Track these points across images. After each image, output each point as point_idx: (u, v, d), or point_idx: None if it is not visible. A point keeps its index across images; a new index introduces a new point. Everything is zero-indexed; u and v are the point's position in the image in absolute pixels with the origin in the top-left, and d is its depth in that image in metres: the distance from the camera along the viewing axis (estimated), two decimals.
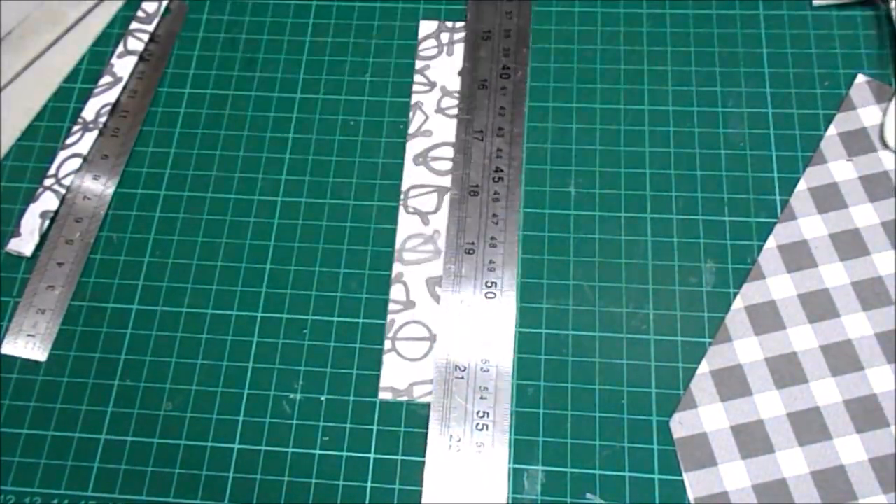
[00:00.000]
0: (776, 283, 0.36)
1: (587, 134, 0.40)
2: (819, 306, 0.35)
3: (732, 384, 0.34)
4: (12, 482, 0.35)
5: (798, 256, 0.36)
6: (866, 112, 0.39)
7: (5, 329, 0.37)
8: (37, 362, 0.37)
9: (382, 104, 0.41)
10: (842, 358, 0.34)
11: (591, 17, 0.43)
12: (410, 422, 0.35)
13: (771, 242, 0.36)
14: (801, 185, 0.37)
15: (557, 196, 0.39)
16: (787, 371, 0.34)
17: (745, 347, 0.35)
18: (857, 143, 0.38)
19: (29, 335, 0.37)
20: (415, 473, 0.34)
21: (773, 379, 0.34)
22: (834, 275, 0.36)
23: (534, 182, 0.39)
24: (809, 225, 0.37)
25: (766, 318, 0.35)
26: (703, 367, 0.34)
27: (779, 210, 0.37)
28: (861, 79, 0.39)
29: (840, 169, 0.38)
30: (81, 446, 0.35)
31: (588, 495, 0.33)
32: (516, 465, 0.34)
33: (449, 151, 0.40)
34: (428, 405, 0.35)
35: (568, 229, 0.38)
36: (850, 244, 0.36)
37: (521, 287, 0.37)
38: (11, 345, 0.37)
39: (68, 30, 0.43)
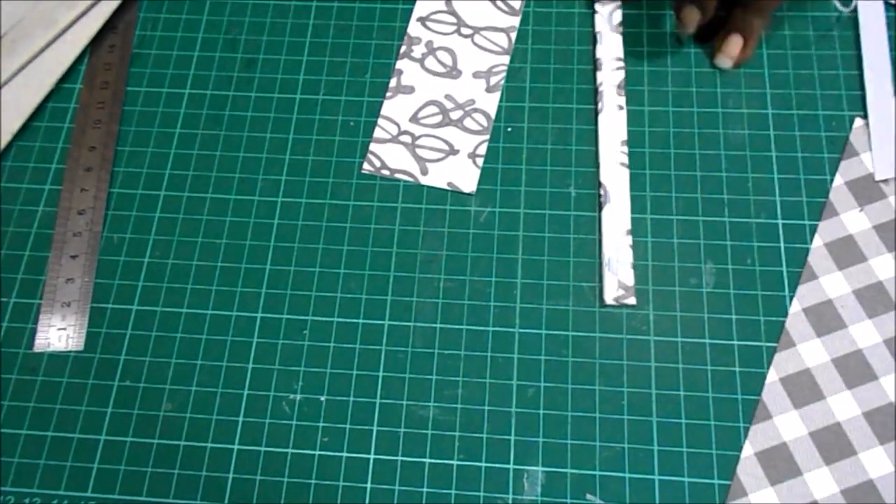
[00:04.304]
0: (807, 350, 0.35)
1: (587, 135, 0.40)
2: (854, 370, 0.34)
3: (780, 464, 0.33)
4: (12, 482, 0.35)
5: (826, 318, 0.35)
6: (868, 157, 0.38)
7: (33, 329, 0.37)
8: (35, 363, 0.37)
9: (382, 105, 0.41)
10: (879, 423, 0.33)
11: (590, 18, 0.43)
12: (410, 422, 0.35)
13: (796, 306, 0.35)
14: (817, 242, 0.36)
15: (557, 197, 0.39)
16: (832, 442, 0.33)
17: (786, 422, 0.33)
18: (865, 190, 0.37)
19: (60, 328, 0.37)
20: (415, 474, 0.34)
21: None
22: (864, 334, 0.35)
23: (534, 183, 0.39)
24: (832, 283, 0.35)
25: (803, 390, 0.34)
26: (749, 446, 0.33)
27: (778, 211, 0.37)
28: (859, 122, 0.39)
29: (853, 220, 0.37)
30: (81, 447, 0.35)
31: (588, 496, 0.33)
32: (516, 466, 0.34)
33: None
34: (429, 408, 0.35)
35: (568, 230, 0.38)
36: (875, 299, 0.35)
37: (521, 287, 0.37)
38: (44, 341, 0.37)
39: (61, 33, 0.43)
